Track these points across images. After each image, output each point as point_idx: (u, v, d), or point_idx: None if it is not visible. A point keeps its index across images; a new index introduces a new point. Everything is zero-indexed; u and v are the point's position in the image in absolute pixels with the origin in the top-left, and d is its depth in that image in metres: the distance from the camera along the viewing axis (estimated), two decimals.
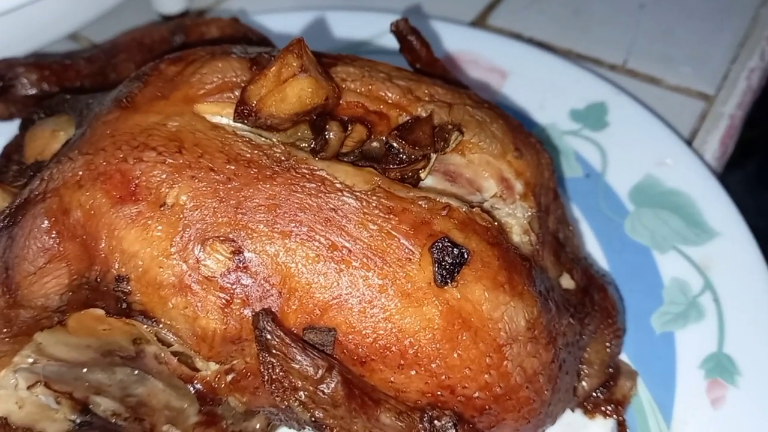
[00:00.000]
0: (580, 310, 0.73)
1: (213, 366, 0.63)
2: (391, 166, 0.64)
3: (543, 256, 0.71)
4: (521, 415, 0.63)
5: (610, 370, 0.77)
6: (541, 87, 1.05)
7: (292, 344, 0.56)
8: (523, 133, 0.76)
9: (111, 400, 0.74)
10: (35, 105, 0.88)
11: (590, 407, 0.76)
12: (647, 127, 0.98)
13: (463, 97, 0.74)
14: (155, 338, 0.64)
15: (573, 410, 0.77)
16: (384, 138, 0.65)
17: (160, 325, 0.62)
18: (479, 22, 1.24)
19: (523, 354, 0.63)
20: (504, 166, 0.70)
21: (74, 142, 0.68)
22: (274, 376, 0.57)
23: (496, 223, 0.66)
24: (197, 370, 0.64)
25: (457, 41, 1.10)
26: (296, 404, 0.57)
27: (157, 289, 0.61)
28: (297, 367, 0.56)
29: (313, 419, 0.58)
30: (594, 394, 0.76)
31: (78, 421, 0.70)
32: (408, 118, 0.68)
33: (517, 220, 0.70)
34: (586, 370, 0.75)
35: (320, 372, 0.57)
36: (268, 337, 0.57)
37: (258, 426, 0.75)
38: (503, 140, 0.71)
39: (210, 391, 0.63)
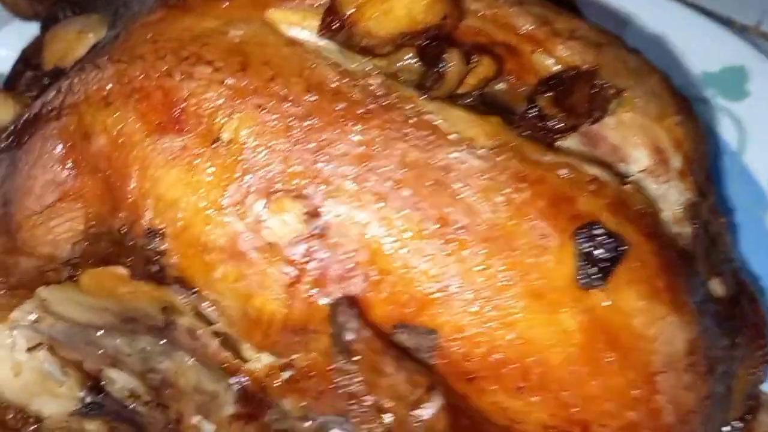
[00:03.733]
0: (731, 327, 0.57)
1: (266, 358, 0.48)
2: (525, 129, 0.48)
3: (696, 254, 0.55)
4: None
5: (750, 401, 0.62)
6: (666, 41, 0.87)
7: (384, 350, 0.41)
8: (679, 93, 0.59)
9: (129, 375, 0.60)
10: (62, 0, 0.72)
11: None
12: None
13: (610, 38, 0.57)
14: (192, 314, 0.50)
15: None
16: (524, 90, 0.48)
17: (202, 300, 0.47)
18: None
19: (679, 386, 0.47)
20: (662, 133, 0.53)
21: (104, 47, 0.52)
22: (353, 390, 0.42)
23: (653, 209, 0.49)
24: (244, 360, 0.49)
25: None
26: (380, 429, 0.43)
27: (200, 252, 0.45)
28: (387, 382, 0.41)
29: None
30: (729, 428, 0.61)
31: (87, 400, 0.56)
32: (549, 60, 0.51)
33: (668, 204, 0.53)
34: None
35: (418, 392, 0.42)
36: (351, 337, 0.41)
37: (308, 425, 0.61)
38: (663, 99, 0.54)
39: (258, 389, 0.49)
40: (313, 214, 0.44)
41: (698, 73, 0.83)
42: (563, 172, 0.47)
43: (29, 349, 0.59)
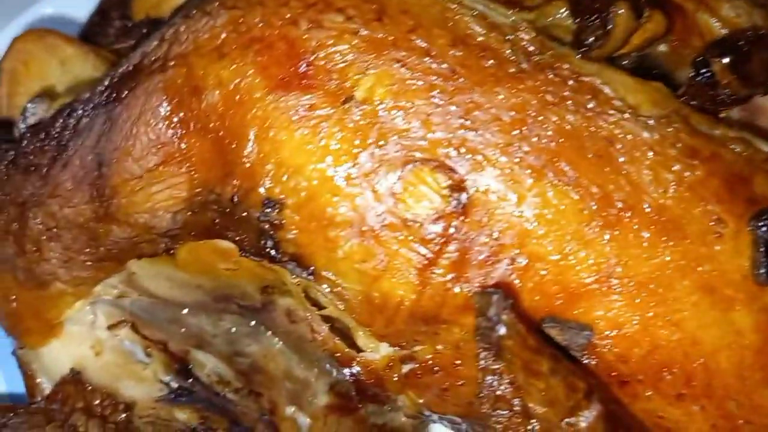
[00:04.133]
0: None
1: (384, 348, 0.43)
2: (692, 97, 0.42)
3: None
4: None
5: None
6: None
7: (540, 349, 0.36)
8: None
9: (216, 359, 0.55)
10: None
11: None
12: None
13: None
14: (303, 296, 0.45)
15: None
16: (693, 56, 0.42)
17: (321, 282, 0.42)
18: None
19: None
20: None
21: None
22: (500, 393, 0.37)
23: None
24: (358, 350, 0.45)
25: None
26: None
27: (324, 227, 0.40)
28: (541, 385, 0.36)
29: None
30: None
31: (175, 385, 0.51)
32: (714, 21, 0.45)
33: None
34: None
35: (575, 397, 0.36)
36: (503, 332, 0.36)
37: (405, 420, 0.56)
38: None
39: (375, 381, 0.44)
40: (457, 187, 0.39)
41: None
42: (737, 147, 0.41)
43: (110, 327, 0.55)
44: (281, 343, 0.56)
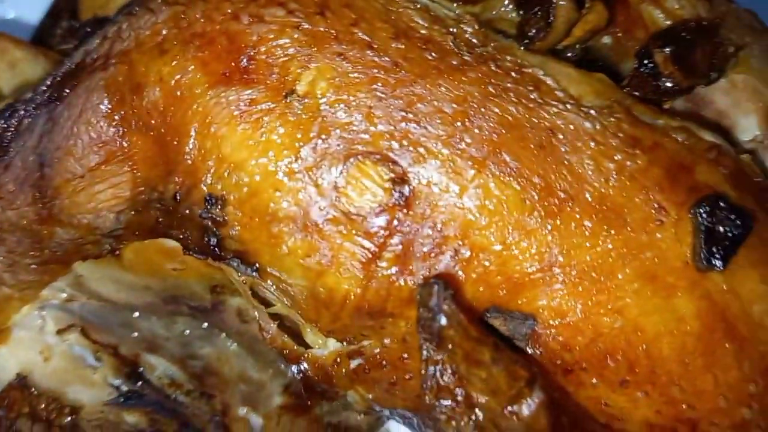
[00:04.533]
0: None
1: (332, 344, 0.43)
2: (635, 88, 0.42)
3: None
4: None
5: None
6: None
7: (481, 338, 0.36)
8: None
9: (168, 362, 0.54)
10: None
11: None
12: None
13: None
14: (250, 294, 0.44)
15: None
16: (637, 48, 0.42)
17: (266, 278, 0.41)
18: None
19: None
20: None
21: None
22: (442, 383, 0.37)
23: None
24: (306, 347, 0.44)
25: None
26: (470, 428, 0.38)
27: (267, 223, 0.40)
28: (483, 374, 0.36)
29: None
30: None
31: (124, 388, 0.51)
32: (658, 12, 0.45)
33: None
34: None
35: (517, 386, 0.37)
36: (444, 322, 0.36)
37: (361, 418, 0.55)
38: None
39: (323, 377, 0.43)
40: (399, 180, 0.39)
41: None
42: (679, 136, 0.41)
43: (59, 331, 0.53)
44: (235, 345, 0.56)
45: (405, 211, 0.39)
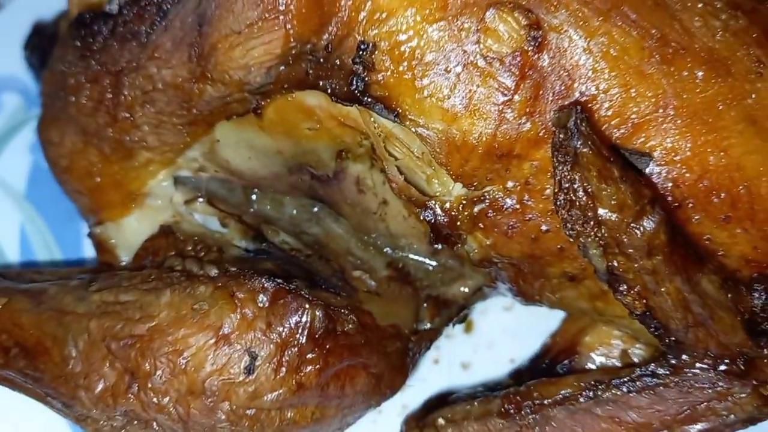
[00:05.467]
0: None
1: (458, 189, 0.47)
2: None
3: None
4: None
5: None
6: None
7: (612, 158, 0.41)
8: None
9: (285, 233, 0.59)
10: None
11: None
12: None
13: None
14: (382, 145, 0.49)
15: None
16: None
17: (405, 123, 0.46)
18: None
19: None
20: None
21: None
22: (573, 198, 0.41)
23: None
24: (430, 196, 0.48)
25: None
26: (594, 246, 0.42)
27: (413, 68, 0.45)
28: (612, 191, 0.41)
29: (609, 270, 0.42)
30: None
31: (252, 247, 0.55)
32: None
33: None
34: None
35: (641, 202, 0.41)
36: (581, 141, 0.41)
37: (462, 289, 0.59)
38: None
39: (448, 221, 0.48)
40: (534, 26, 0.44)
41: None
42: None
43: (187, 202, 0.58)
44: (341, 228, 0.60)
45: (538, 55, 0.44)
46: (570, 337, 0.55)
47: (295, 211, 0.60)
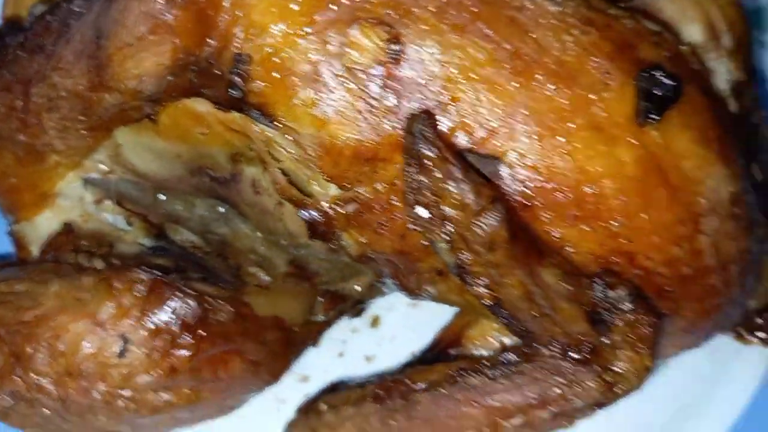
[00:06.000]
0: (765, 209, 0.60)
1: (333, 190, 0.51)
2: None
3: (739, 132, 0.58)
4: (703, 307, 0.51)
5: None
6: None
7: (454, 159, 0.44)
8: None
9: (190, 232, 0.63)
10: None
11: (747, 331, 0.64)
12: None
13: None
14: (265, 149, 0.52)
15: (726, 331, 0.64)
16: None
17: (281, 130, 0.49)
18: None
19: (721, 232, 0.50)
20: (714, 9, 0.56)
21: None
22: (420, 199, 0.45)
23: (707, 70, 0.53)
24: (310, 196, 0.52)
25: None
26: (441, 241, 0.45)
27: (283, 78, 0.48)
28: (453, 190, 0.44)
29: (458, 264, 0.46)
30: (757, 317, 0.63)
31: (152, 244, 0.58)
32: None
33: (718, 79, 0.56)
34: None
35: (482, 201, 0.45)
36: (423, 146, 0.44)
37: (356, 287, 0.63)
38: None
39: (324, 220, 0.51)
40: (393, 40, 0.47)
41: None
42: (628, 22, 0.50)
43: (96, 201, 0.62)
44: (248, 227, 0.64)
45: (397, 66, 0.47)
46: (457, 330, 0.59)
47: (206, 212, 0.64)
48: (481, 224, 0.44)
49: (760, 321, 0.64)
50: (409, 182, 0.45)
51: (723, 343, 0.64)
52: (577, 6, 0.48)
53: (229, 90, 0.50)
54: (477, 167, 0.46)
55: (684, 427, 0.60)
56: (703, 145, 0.49)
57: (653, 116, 0.47)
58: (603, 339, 0.47)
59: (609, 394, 0.48)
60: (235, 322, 0.50)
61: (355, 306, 0.62)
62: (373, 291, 0.62)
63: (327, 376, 0.66)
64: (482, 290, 0.46)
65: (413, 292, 0.57)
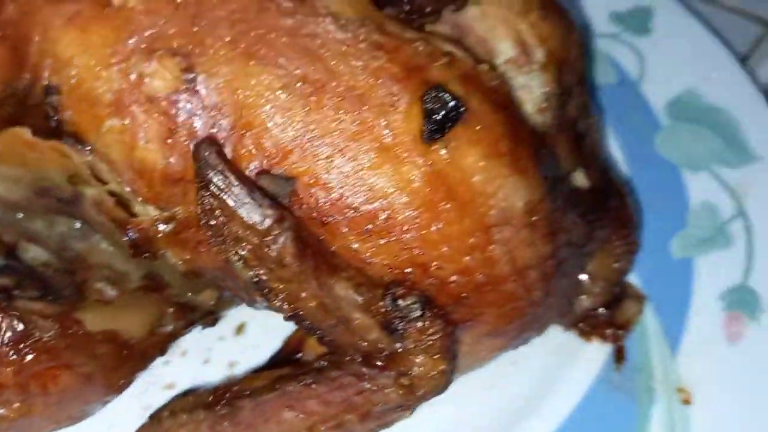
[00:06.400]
0: (591, 213, 0.63)
1: (151, 211, 0.54)
2: (392, 10, 0.53)
3: (556, 142, 0.61)
4: (503, 312, 0.54)
5: (616, 289, 0.67)
6: None
7: (238, 184, 0.47)
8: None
9: (44, 251, 0.65)
10: None
11: (587, 328, 0.67)
12: (695, 38, 0.86)
13: None
14: (89, 172, 0.55)
15: (567, 329, 0.67)
16: None
17: (97, 156, 0.52)
18: None
19: (516, 241, 0.53)
20: (524, 26, 0.59)
21: None
22: (212, 222, 0.47)
23: (506, 86, 0.55)
24: (135, 216, 0.55)
25: None
26: (236, 259, 0.48)
27: (90, 107, 0.51)
28: (241, 213, 0.47)
29: (255, 280, 0.49)
30: (594, 313, 0.66)
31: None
32: None
33: (531, 93, 0.59)
34: (588, 285, 0.65)
35: (268, 222, 0.47)
36: (209, 172, 0.47)
37: (207, 299, 0.66)
38: None
39: (145, 240, 0.54)
40: (188, 69, 0.50)
41: (608, 11, 0.89)
42: (420, 45, 0.52)
43: None
44: (106, 243, 0.66)
45: (192, 94, 0.50)
46: (298, 337, 0.62)
47: (65, 228, 0.66)
48: (269, 243, 0.47)
49: (600, 317, 0.67)
50: (201, 205, 0.47)
51: (568, 340, 0.68)
52: (368, 32, 0.51)
53: (46, 119, 0.52)
54: (271, 190, 0.49)
55: (519, 422, 0.64)
56: (493, 160, 0.51)
57: (437, 135, 0.49)
58: (398, 346, 0.50)
59: (410, 397, 0.51)
60: (63, 338, 0.53)
61: (207, 316, 0.64)
62: (226, 302, 0.65)
63: (192, 383, 0.69)
64: (281, 304, 0.49)
65: (250, 304, 0.60)
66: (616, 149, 0.78)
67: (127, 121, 0.50)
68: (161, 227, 0.53)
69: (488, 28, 0.58)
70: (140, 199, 0.53)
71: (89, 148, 0.52)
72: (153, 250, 0.55)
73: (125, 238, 0.55)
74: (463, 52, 0.54)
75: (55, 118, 0.52)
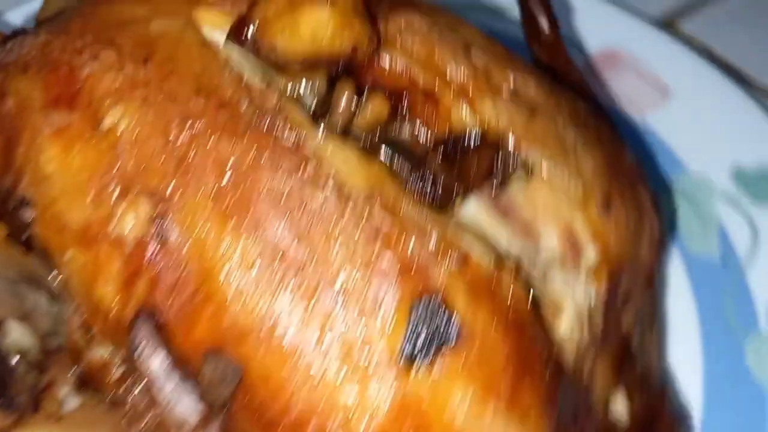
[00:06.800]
0: None
1: (104, 351, 0.48)
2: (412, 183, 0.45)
3: (592, 363, 0.49)
4: None
5: None
6: (707, 122, 0.79)
7: (167, 376, 0.40)
8: (631, 178, 0.53)
9: (31, 334, 0.62)
10: None
11: None
12: None
13: (559, 102, 0.52)
14: (63, 287, 0.50)
15: None
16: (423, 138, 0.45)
17: (58, 276, 0.48)
18: (668, 23, 0.98)
19: None
20: (579, 219, 0.48)
21: (61, 16, 0.54)
22: (137, 409, 0.41)
23: (529, 297, 0.45)
24: (90, 347, 0.50)
25: (617, 33, 0.85)
26: None
27: (59, 231, 0.46)
28: (166, 401, 0.40)
29: None
30: None
31: None
32: (470, 115, 0.47)
33: (572, 298, 0.48)
34: None
35: (193, 419, 0.40)
36: (140, 355, 0.41)
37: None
38: (591, 182, 0.49)
39: (94, 379, 0.49)
40: (161, 216, 0.43)
41: (730, 165, 0.75)
42: (433, 237, 0.43)
43: None
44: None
45: (161, 244, 0.44)
46: None
47: (64, 308, 0.63)
48: None
49: None
50: (124, 377, 0.42)
51: None
52: (372, 210, 0.42)
53: (20, 230, 0.48)
54: (215, 372, 0.42)
55: None
56: (481, 403, 0.41)
57: (417, 357, 0.40)
58: None
59: None
60: None
61: None
62: None
63: None
64: None
65: None
66: (695, 351, 0.64)
67: (89, 256, 0.45)
68: (111, 371, 0.48)
69: (533, 212, 0.48)
70: (97, 332, 0.48)
71: (52, 269, 0.48)
72: (102, 390, 0.50)
73: (73, 368, 0.50)
74: (486, 248, 0.44)
75: (27, 231, 0.48)
